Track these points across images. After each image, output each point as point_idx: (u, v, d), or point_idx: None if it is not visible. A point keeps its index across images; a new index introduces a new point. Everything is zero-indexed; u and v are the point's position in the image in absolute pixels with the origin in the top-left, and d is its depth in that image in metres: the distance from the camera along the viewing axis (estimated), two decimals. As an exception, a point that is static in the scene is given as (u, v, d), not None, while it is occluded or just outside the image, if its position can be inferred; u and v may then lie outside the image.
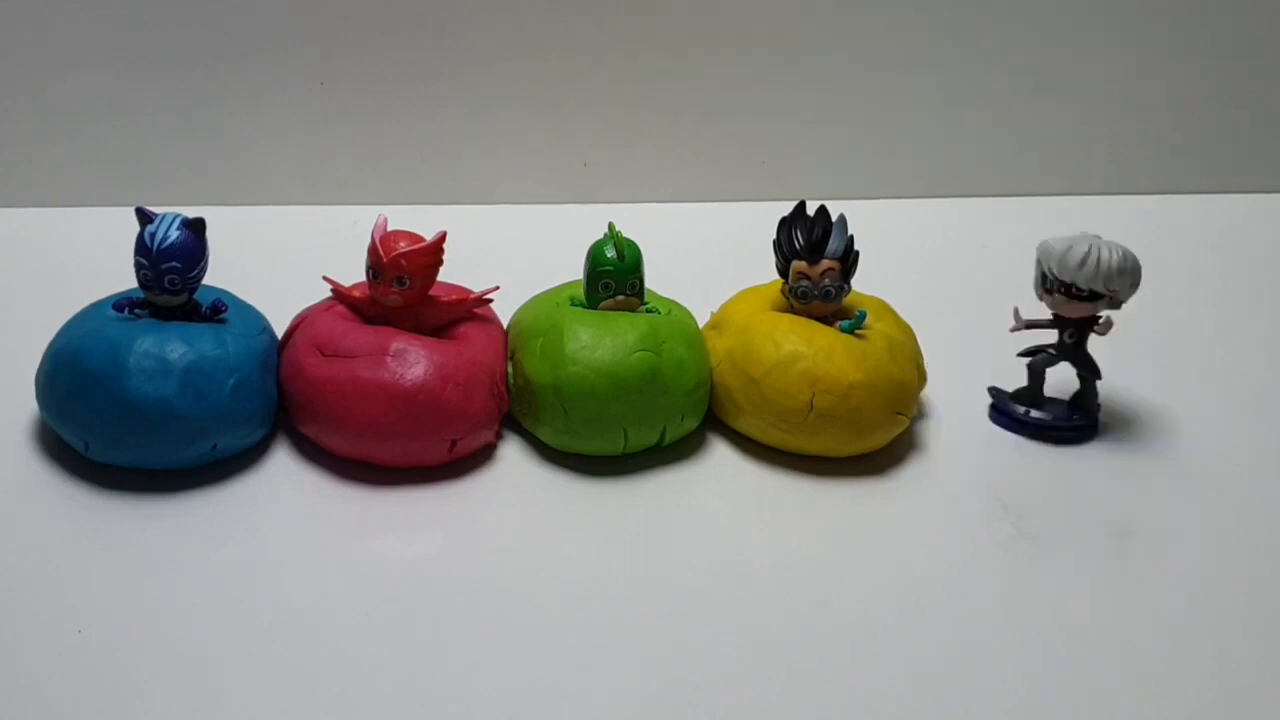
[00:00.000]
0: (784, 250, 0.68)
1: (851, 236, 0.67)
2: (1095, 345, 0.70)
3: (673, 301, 0.71)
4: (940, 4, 0.98)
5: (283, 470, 0.65)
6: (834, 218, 0.67)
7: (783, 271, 0.69)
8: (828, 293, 0.68)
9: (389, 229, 0.66)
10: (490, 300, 0.70)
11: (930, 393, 0.73)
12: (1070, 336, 0.70)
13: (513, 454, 0.67)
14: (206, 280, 0.64)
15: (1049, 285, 0.69)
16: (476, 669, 0.54)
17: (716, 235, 0.94)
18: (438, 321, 0.68)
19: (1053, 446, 0.70)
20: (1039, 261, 0.69)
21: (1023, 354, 0.71)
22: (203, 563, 0.59)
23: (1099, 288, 0.67)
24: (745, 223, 0.95)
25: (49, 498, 0.62)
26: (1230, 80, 1.02)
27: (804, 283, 0.68)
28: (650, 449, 0.67)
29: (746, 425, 0.67)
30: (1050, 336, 0.70)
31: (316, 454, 0.65)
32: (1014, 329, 0.70)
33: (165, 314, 0.64)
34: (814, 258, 0.67)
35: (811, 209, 0.68)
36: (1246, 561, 0.62)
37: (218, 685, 0.52)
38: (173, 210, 0.63)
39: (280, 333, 0.68)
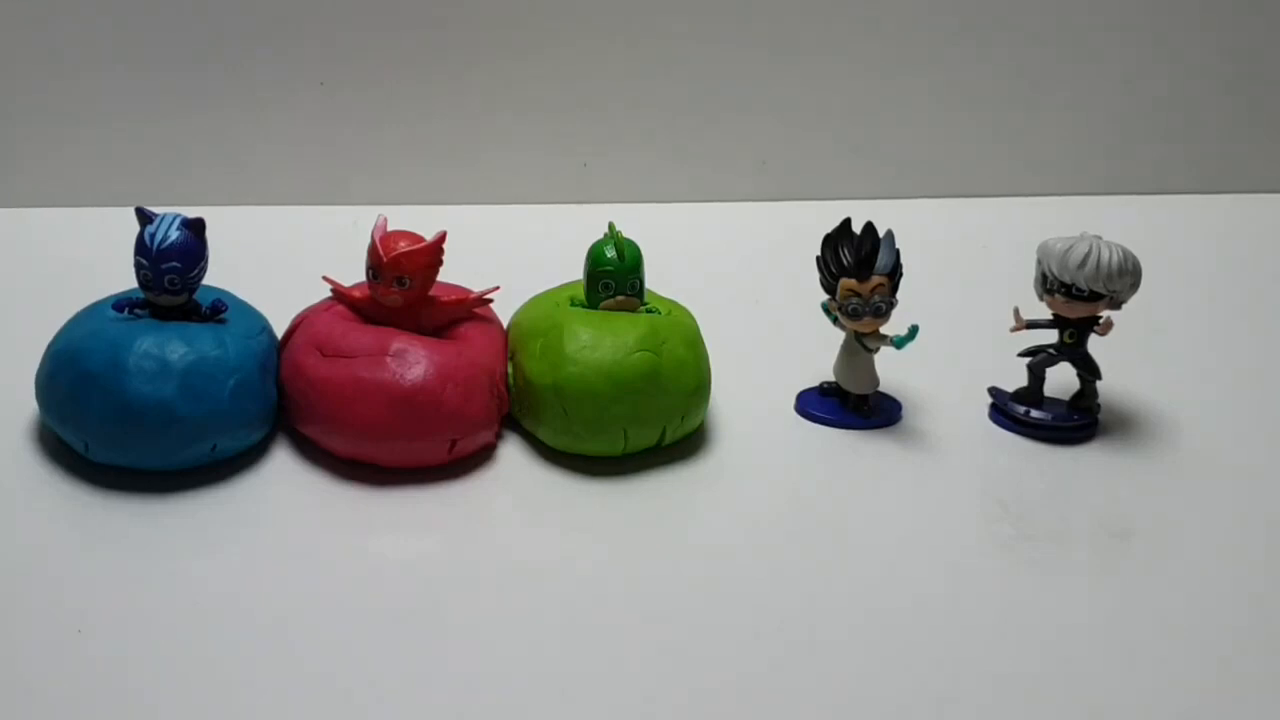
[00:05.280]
0: (831, 268, 0.68)
1: (898, 251, 0.67)
2: (1095, 345, 0.70)
3: (673, 301, 0.71)
4: (940, 4, 0.98)
5: (283, 470, 0.65)
6: (881, 233, 0.67)
7: (829, 289, 0.68)
8: (878, 309, 0.68)
9: (389, 229, 0.66)
10: (490, 300, 0.70)
11: (930, 393, 0.73)
12: (1070, 337, 0.70)
13: (513, 454, 0.67)
14: (206, 280, 0.64)
15: (1049, 285, 0.69)
16: (476, 669, 0.54)
17: (716, 235, 0.94)
18: (438, 322, 0.68)
19: (1053, 446, 0.70)
20: (1039, 262, 0.69)
21: (1023, 354, 0.71)
22: (203, 563, 0.59)
23: (1099, 288, 0.67)
24: (745, 223, 0.96)
25: (49, 498, 0.62)
26: (1229, 80, 1.02)
27: (854, 300, 0.67)
28: (650, 449, 0.67)
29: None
30: (1050, 336, 0.70)
31: (316, 454, 0.65)
32: (1014, 329, 0.70)
33: (165, 314, 0.64)
34: (863, 274, 0.67)
35: (846, 222, 0.68)
36: (1246, 561, 0.62)
37: (218, 685, 0.52)
38: (173, 210, 0.63)
39: (280, 333, 0.68)
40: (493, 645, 0.55)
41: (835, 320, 0.69)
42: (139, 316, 0.64)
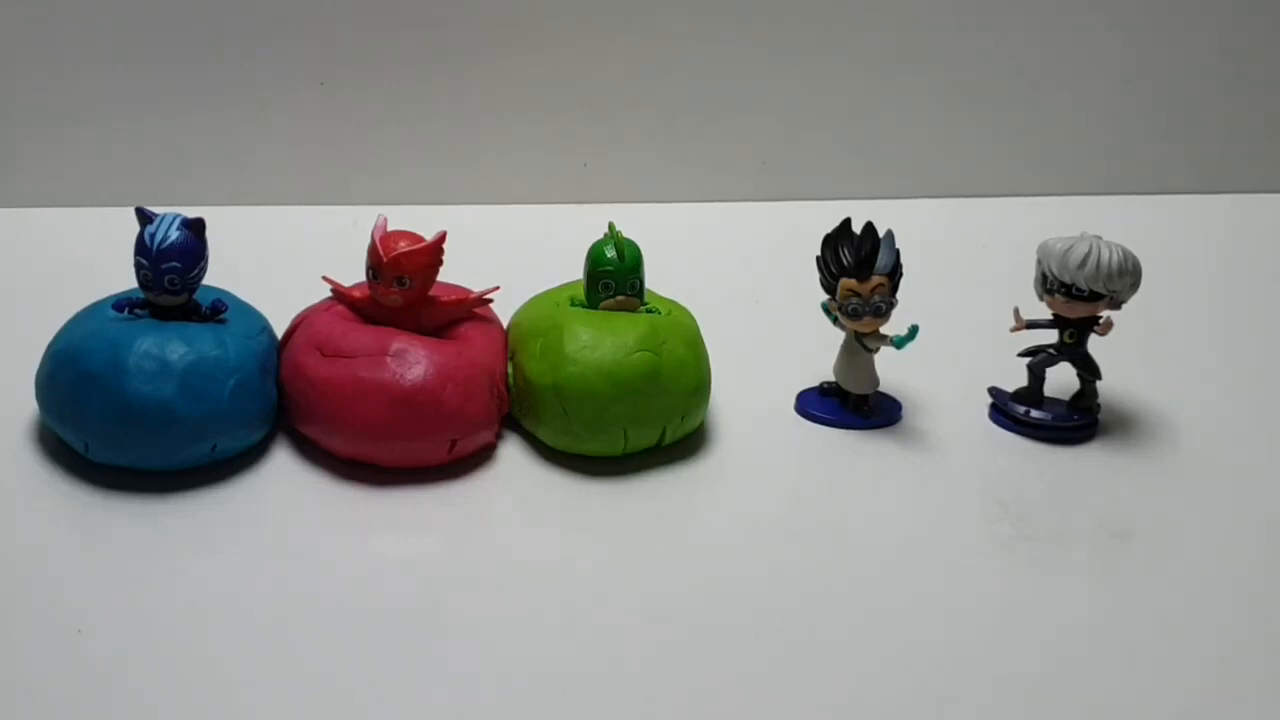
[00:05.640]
0: (831, 268, 0.68)
1: (898, 251, 0.67)
2: (1095, 345, 0.70)
3: (673, 301, 0.71)
4: (940, 4, 0.98)
5: (283, 470, 0.65)
6: (881, 233, 0.67)
7: (829, 289, 0.68)
8: (878, 309, 0.68)
9: (389, 229, 0.66)
10: (490, 300, 0.70)
11: (930, 393, 0.73)
12: (1070, 337, 0.70)
13: (513, 454, 0.67)
14: (206, 280, 0.64)
15: (1049, 285, 0.69)
16: (476, 669, 0.54)
17: (716, 235, 0.94)
18: (438, 322, 0.68)
19: (1053, 446, 0.70)
20: (1039, 261, 0.69)
21: (1023, 354, 0.71)
22: (203, 563, 0.59)
23: (1099, 288, 0.67)
24: (745, 223, 0.96)
25: (49, 498, 0.62)
26: (1229, 80, 1.02)
27: (854, 300, 0.67)
28: (650, 449, 0.67)
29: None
30: (1050, 336, 0.70)
31: (316, 454, 0.65)
32: (1014, 329, 0.70)
33: (165, 314, 0.64)
34: (863, 274, 0.67)
35: (846, 222, 0.68)
36: (1246, 561, 0.62)
37: (218, 685, 0.52)
38: (173, 210, 0.63)
39: (280, 333, 0.68)
40: (493, 645, 0.55)
41: (835, 320, 0.69)
42: (139, 316, 0.64)
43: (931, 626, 0.57)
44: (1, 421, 0.67)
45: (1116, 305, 0.69)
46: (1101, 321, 0.69)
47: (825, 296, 0.69)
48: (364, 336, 0.65)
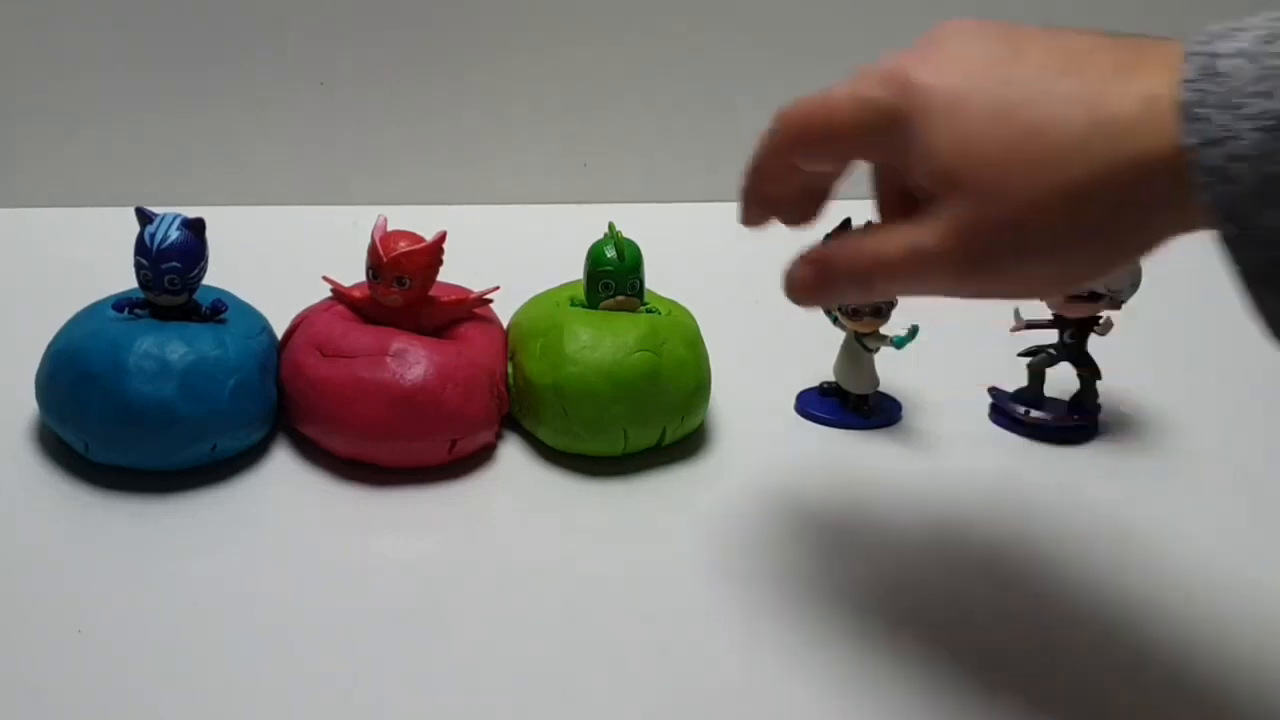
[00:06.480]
0: None
1: None
2: (1095, 345, 0.70)
3: (673, 301, 0.71)
4: (940, 4, 0.97)
5: (283, 470, 0.65)
6: None
7: None
8: (878, 309, 0.68)
9: (389, 229, 0.66)
10: (490, 300, 0.70)
11: (930, 393, 0.73)
12: (1070, 337, 0.70)
13: (513, 454, 0.67)
14: (206, 280, 0.64)
15: (1049, 285, 0.68)
16: (476, 669, 0.54)
17: (716, 235, 0.94)
18: (438, 322, 0.68)
19: (1053, 446, 0.70)
20: (1039, 262, 0.69)
21: (1023, 354, 0.71)
22: (203, 562, 0.59)
23: (1099, 288, 0.67)
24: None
25: (49, 498, 0.62)
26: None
27: None
28: (650, 449, 0.67)
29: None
30: (1050, 336, 0.70)
31: (316, 454, 0.65)
32: (1014, 329, 0.71)
33: (165, 314, 0.64)
34: None
35: (846, 222, 0.68)
36: (1246, 561, 0.62)
37: (217, 685, 0.52)
38: (173, 210, 0.63)
39: (280, 333, 0.68)
40: (493, 645, 0.55)
41: (835, 320, 0.69)
42: (139, 316, 0.64)
43: (931, 627, 0.57)
44: (1, 421, 0.67)
45: (1116, 305, 0.69)
46: (1101, 321, 0.69)
47: None
48: (364, 336, 0.65)
